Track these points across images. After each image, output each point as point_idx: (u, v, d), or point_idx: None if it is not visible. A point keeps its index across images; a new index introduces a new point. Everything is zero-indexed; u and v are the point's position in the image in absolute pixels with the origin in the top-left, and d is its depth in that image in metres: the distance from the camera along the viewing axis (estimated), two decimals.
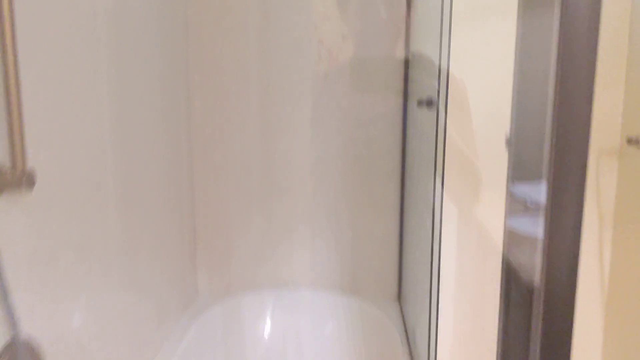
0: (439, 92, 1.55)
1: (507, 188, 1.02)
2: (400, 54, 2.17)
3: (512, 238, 0.80)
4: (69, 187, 1.28)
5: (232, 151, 2.21)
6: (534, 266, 0.72)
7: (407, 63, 2.16)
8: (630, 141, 1.99)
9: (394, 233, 2.27)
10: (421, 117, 1.92)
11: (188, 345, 1.91)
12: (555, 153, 0.66)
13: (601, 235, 2.20)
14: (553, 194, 0.67)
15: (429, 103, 1.69)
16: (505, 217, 0.96)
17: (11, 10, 0.98)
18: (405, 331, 2.05)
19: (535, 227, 0.70)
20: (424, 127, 1.91)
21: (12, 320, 1.06)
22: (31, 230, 1.14)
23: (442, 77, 1.47)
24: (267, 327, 2.24)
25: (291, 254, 2.29)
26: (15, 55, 1.00)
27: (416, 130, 2.04)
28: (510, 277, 0.79)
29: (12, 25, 0.99)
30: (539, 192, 0.68)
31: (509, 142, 0.90)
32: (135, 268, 1.64)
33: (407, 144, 2.20)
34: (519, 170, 0.90)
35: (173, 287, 2.02)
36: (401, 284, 2.31)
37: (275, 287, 2.28)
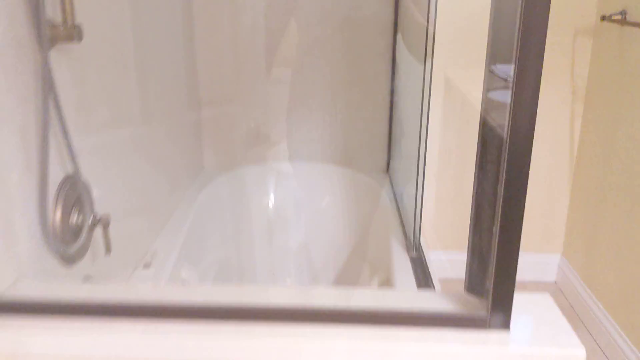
0: None
1: (486, 66, 1.16)
2: None
3: (489, 105, 0.97)
4: (104, 47, 1.42)
5: (233, 34, 2.31)
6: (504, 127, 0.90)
7: None
8: (604, 18, 2.15)
9: (384, 110, 2.44)
10: None
11: (198, 211, 2.12)
12: (520, 36, 0.82)
13: (573, 107, 2.41)
14: (518, 68, 0.84)
15: None
16: (484, 91, 1.11)
17: None
18: (394, 197, 2.28)
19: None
20: (415, 8, 2.02)
21: (72, 156, 1.22)
22: (77, 80, 1.27)
23: None
24: (270, 196, 2.46)
25: (289, 130, 2.46)
26: None
27: (408, 11, 2.16)
28: (486, 139, 0.96)
29: None
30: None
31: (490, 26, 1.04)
32: (149, 138, 1.80)
33: (399, 24, 2.32)
34: (499, 51, 1.04)
35: (181, 159, 2.19)
36: (390, 157, 2.52)
37: (274, 161, 2.47)
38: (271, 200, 2.47)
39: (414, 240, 1.83)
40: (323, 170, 2.47)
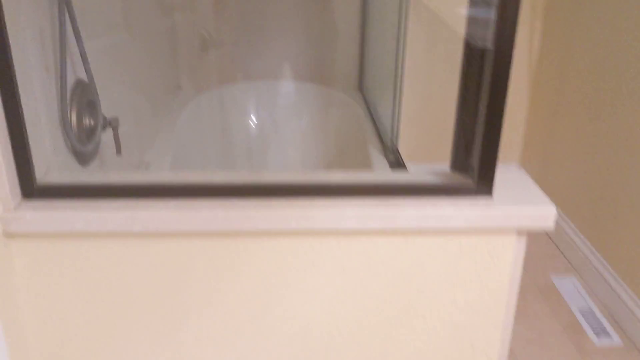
0: None
1: None
2: None
3: (473, 23, 1.08)
4: None
5: None
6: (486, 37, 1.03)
7: None
8: None
9: (356, 29, 2.54)
10: None
11: (180, 130, 2.21)
12: None
13: (532, 23, 2.55)
14: None
15: None
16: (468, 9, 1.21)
17: None
18: (369, 112, 2.41)
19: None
20: None
21: (83, 61, 1.29)
22: None
23: None
24: (249, 114, 2.55)
25: (265, 50, 2.54)
26: None
27: None
28: (469, 50, 1.08)
29: None
30: None
31: None
32: (137, 51, 1.86)
33: None
34: None
35: (161, 77, 2.26)
36: (362, 74, 2.64)
37: (252, 80, 2.56)
38: (251, 119, 2.57)
39: (391, 145, 1.97)
40: (299, 88, 2.57)
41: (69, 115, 1.24)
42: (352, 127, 2.39)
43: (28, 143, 1.02)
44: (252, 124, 2.58)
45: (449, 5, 2.45)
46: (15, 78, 0.97)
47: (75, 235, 1.04)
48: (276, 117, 2.57)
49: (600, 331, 1.98)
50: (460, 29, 1.10)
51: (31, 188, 1.04)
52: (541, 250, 2.44)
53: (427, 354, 1.19)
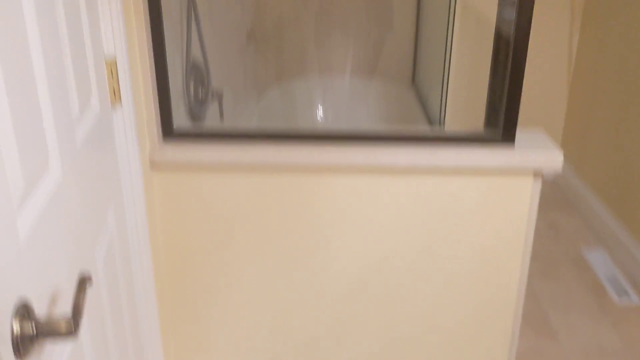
0: None
1: None
2: None
3: (501, 20, 1.41)
4: None
5: None
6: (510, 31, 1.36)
7: None
8: None
9: (411, 29, 2.88)
10: None
11: (262, 110, 2.60)
12: None
13: (571, 24, 2.84)
14: None
15: None
16: (498, 8, 1.53)
17: None
18: (422, 103, 2.74)
19: None
20: None
21: (201, 46, 1.68)
22: None
23: None
24: (317, 103, 2.93)
25: (324, 48, 2.91)
26: None
27: None
28: (498, 45, 1.41)
29: None
30: None
31: None
32: (239, 53, 2.25)
33: None
34: None
35: (239, 77, 2.66)
36: (415, 70, 2.97)
37: (316, 74, 2.93)
38: (317, 110, 2.94)
39: (440, 124, 2.30)
40: (360, 82, 2.93)
41: (189, 86, 1.63)
42: (406, 115, 2.73)
43: (170, 102, 1.40)
44: (318, 112, 2.95)
45: (492, 7, 2.76)
46: (166, 59, 1.35)
47: (200, 166, 1.42)
48: (339, 107, 2.93)
49: (622, 293, 2.25)
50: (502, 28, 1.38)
51: (170, 131, 1.43)
52: (574, 227, 2.71)
53: (461, 273, 1.52)
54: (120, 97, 1.16)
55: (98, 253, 1.00)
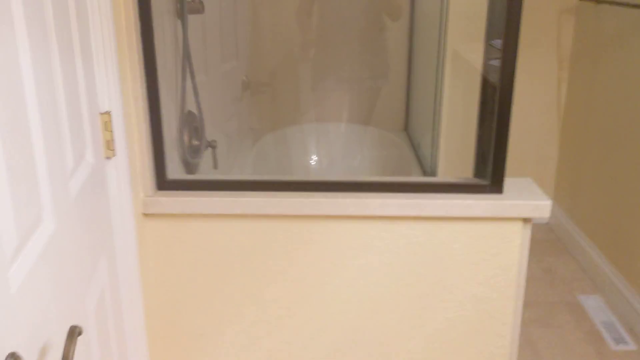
0: None
1: (485, 41, 1.62)
2: None
3: (488, 70, 1.46)
4: (212, 18, 1.94)
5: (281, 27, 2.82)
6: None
7: None
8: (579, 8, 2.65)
9: (403, 79, 2.95)
10: None
11: (256, 158, 2.63)
12: (506, 18, 1.33)
13: (559, 74, 2.91)
14: (505, 40, 1.35)
15: None
16: (484, 60, 1.58)
17: None
18: (413, 147, 2.78)
19: None
20: None
21: (195, 95, 1.72)
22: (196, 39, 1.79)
23: None
24: (309, 152, 2.97)
25: (321, 96, 2.97)
26: None
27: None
28: (485, 93, 1.46)
29: None
30: None
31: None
32: (230, 97, 2.30)
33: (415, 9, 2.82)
34: (494, 30, 1.51)
35: (237, 119, 2.71)
36: (408, 117, 3.02)
37: (310, 122, 2.98)
38: (311, 157, 2.98)
39: (432, 170, 2.33)
40: (353, 129, 2.97)
41: (183, 137, 1.67)
42: (398, 161, 2.76)
43: (164, 152, 1.43)
44: (311, 160, 2.98)
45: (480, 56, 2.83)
46: (161, 111, 1.39)
47: (193, 215, 1.44)
48: (333, 154, 2.97)
49: (619, 339, 2.23)
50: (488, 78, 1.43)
51: (164, 182, 1.45)
52: (569, 273, 2.71)
53: (454, 320, 1.52)
54: (114, 148, 1.19)
55: (89, 303, 1.00)
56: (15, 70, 0.74)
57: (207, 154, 1.84)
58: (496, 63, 1.45)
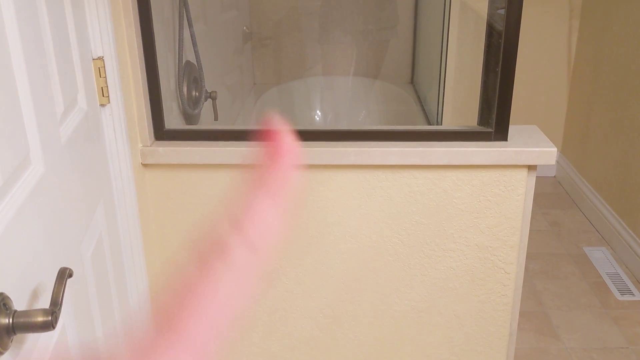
0: None
1: None
2: None
3: (494, 18, 1.41)
4: None
5: None
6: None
7: None
8: None
9: (409, 31, 2.88)
10: None
11: (259, 111, 2.60)
12: None
13: (570, 22, 2.83)
14: None
15: None
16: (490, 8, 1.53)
17: None
18: (420, 102, 2.74)
19: None
20: None
21: (193, 46, 1.68)
22: None
23: None
24: (315, 103, 2.93)
25: (326, 49, 2.91)
26: None
27: None
28: (491, 41, 1.41)
29: None
30: None
31: None
32: (227, 48, 2.25)
33: None
34: None
35: (235, 78, 2.66)
36: (414, 70, 2.97)
37: (315, 75, 2.93)
38: (316, 110, 2.94)
39: (437, 121, 2.30)
40: (359, 82, 2.93)
41: (182, 87, 1.64)
42: (404, 114, 2.72)
43: (161, 102, 1.41)
44: (316, 113, 2.95)
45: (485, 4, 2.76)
46: (156, 59, 1.35)
47: (192, 166, 1.42)
48: (338, 107, 2.93)
49: (625, 290, 2.23)
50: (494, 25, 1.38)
51: (161, 132, 1.43)
52: (575, 226, 2.69)
53: (456, 269, 1.51)
54: (108, 95, 1.17)
55: (86, 248, 1.00)
56: None
57: (207, 105, 1.81)
58: (503, 11, 1.39)
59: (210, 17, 1.96)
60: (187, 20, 1.63)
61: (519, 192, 1.42)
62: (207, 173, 1.44)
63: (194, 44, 1.67)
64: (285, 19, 2.85)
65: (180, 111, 1.64)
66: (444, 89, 2.55)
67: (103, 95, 1.16)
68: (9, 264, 0.68)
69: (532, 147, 1.38)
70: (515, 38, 1.36)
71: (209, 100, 1.81)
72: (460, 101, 3.03)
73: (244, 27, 2.57)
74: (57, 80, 0.93)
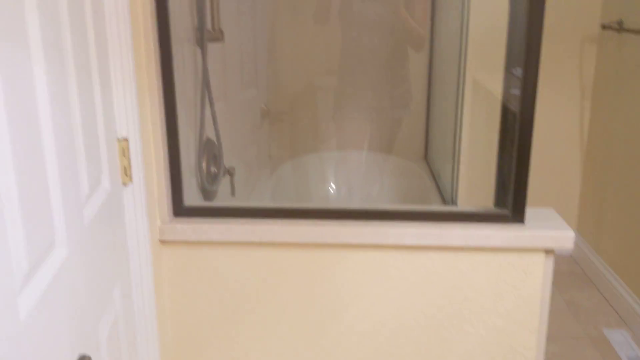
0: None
1: (505, 70, 1.60)
2: None
3: (508, 99, 1.44)
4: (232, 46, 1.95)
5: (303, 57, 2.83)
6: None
7: None
8: (604, 27, 2.63)
9: (423, 108, 2.94)
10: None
11: (275, 186, 2.62)
12: (525, 48, 1.32)
13: (582, 103, 2.87)
14: (525, 70, 1.33)
15: None
16: (504, 88, 1.56)
17: None
18: (433, 177, 2.75)
19: None
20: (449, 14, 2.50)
21: (214, 124, 1.71)
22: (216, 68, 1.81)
23: None
24: (329, 178, 2.95)
25: (341, 125, 2.96)
26: None
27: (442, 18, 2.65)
28: (506, 122, 1.43)
29: None
30: None
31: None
32: (250, 128, 2.31)
33: (434, 38, 2.82)
34: (513, 58, 1.50)
35: (252, 154, 2.71)
36: (428, 145, 3.00)
37: (330, 150, 2.97)
38: (330, 185, 2.96)
39: (452, 198, 2.30)
40: (372, 157, 2.96)
41: (201, 163, 1.67)
42: (418, 190, 2.73)
43: (181, 180, 1.43)
44: (330, 188, 2.97)
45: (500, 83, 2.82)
46: (179, 139, 1.39)
47: (210, 243, 1.43)
48: (352, 183, 2.95)
49: None
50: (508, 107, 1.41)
51: (180, 209, 1.44)
52: (593, 306, 2.64)
53: (474, 353, 1.47)
54: (131, 175, 1.19)
55: (102, 332, 0.99)
56: (30, 94, 0.74)
57: (224, 181, 1.83)
58: (517, 92, 1.43)
59: (230, 96, 2.01)
60: (209, 98, 1.67)
61: (536, 275, 1.41)
62: (223, 250, 1.44)
63: (215, 122, 1.71)
64: (301, 95, 2.92)
65: (198, 187, 1.66)
66: (458, 166, 2.57)
67: (126, 175, 1.18)
68: (28, 350, 0.68)
69: (549, 230, 1.37)
70: (531, 120, 1.38)
71: (227, 175, 1.83)
72: (475, 179, 3.04)
73: (263, 105, 2.64)
74: (83, 162, 0.95)
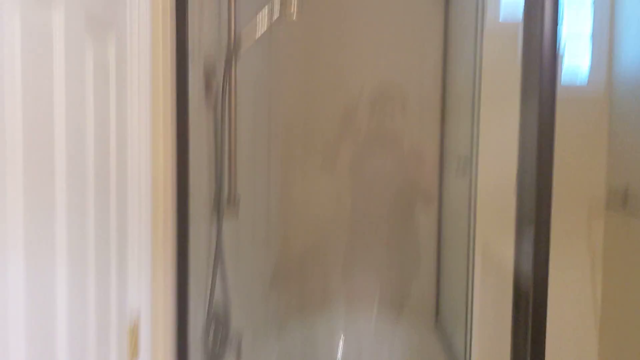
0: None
1: (516, 231, 1.62)
2: None
3: (519, 270, 1.47)
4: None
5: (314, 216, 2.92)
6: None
7: None
8: (608, 207, 2.70)
9: (432, 274, 2.95)
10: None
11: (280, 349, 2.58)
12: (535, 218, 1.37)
13: (593, 276, 2.87)
14: (535, 236, 1.38)
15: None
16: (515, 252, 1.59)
17: None
18: (447, 342, 2.70)
19: None
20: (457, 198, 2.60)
21: (224, 296, 1.73)
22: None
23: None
24: (338, 339, 2.90)
25: (350, 285, 2.97)
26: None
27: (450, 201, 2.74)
28: (519, 296, 1.45)
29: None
30: None
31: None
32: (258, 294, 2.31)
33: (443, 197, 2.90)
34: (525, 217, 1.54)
35: (258, 313, 2.70)
36: (438, 310, 2.97)
37: (337, 307, 2.94)
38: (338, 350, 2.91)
39: None
40: (383, 320, 2.92)
41: (209, 334, 1.67)
42: (430, 356, 2.68)
43: (187, 352, 1.43)
44: (338, 353, 2.91)
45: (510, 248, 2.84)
46: (188, 312, 1.41)
47: None
48: (361, 347, 2.90)
49: None
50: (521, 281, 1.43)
51: None
52: None
53: None
54: (137, 352, 1.19)
55: None
56: (50, 290, 0.78)
57: (232, 346, 1.82)
58: (526, 261, 1.44)
59: (241, 267, 2.05)
60: (221, 272, 1.71)
61: None
62: None
63: (226, 287, 1.74)
64: (311, 251, 2.96)
65: (204, 353, 1.65)
66: (471, 331, 2.54)
67: (133, 352, 1.18)
68: None
69: None
70: (544, 292, 1.38)
71: (234, 341, 1.82)
72: (490, 345, 2.98)
73: (272, 268, 2.67)
74: (93, 346, 0.97)
